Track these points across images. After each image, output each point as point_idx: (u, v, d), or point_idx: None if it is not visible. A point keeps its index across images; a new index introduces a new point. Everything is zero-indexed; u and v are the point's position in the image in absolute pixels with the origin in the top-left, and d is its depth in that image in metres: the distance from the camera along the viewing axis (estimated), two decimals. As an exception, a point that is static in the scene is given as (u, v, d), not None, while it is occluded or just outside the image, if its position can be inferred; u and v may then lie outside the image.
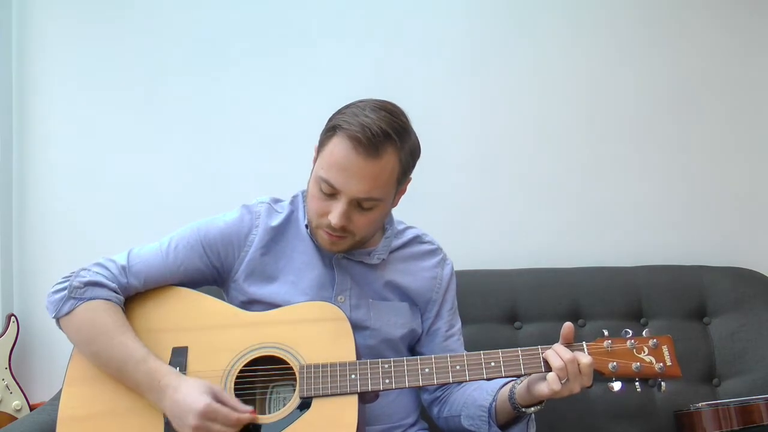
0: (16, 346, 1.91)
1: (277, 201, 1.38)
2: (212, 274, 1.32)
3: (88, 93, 2.02)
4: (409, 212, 1.40)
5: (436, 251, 1.41)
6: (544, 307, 1.78)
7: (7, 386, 1.88)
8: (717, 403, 1.59)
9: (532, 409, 1.19)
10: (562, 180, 2.01)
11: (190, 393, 1.11)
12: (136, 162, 2.01)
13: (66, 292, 1.23)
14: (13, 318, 1.92)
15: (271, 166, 1.98)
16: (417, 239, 1.41)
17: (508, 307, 1.78)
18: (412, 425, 1.36)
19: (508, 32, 2.03)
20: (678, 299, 1.80)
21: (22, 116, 2.02)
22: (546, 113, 2.02)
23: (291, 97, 2.01)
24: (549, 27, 2.02)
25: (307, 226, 1.31)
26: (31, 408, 1.90)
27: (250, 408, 1.13)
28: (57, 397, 1.21)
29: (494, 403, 1.24)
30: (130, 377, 1.17)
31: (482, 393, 1.27)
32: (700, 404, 1.58)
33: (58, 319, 1.25)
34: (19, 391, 1.89)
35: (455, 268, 1.44)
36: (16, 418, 1.84)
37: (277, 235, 1.32)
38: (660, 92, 2.02)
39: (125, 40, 2.02)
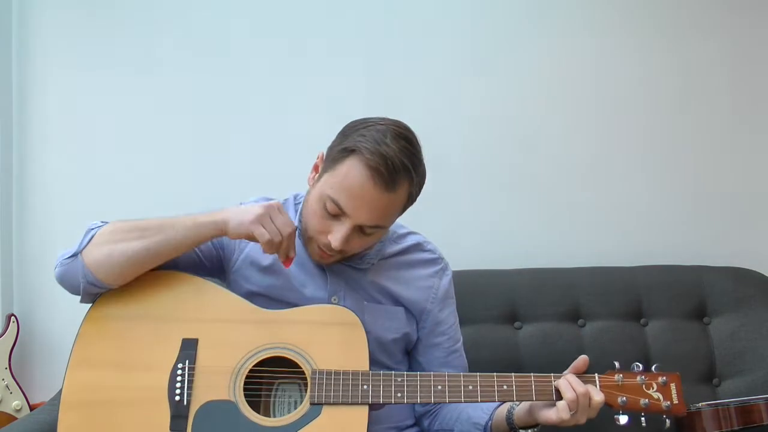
0: (16, 346, 1.91)
1: (268, 201, 1.37)
2: (212, 256, 1.32)
3: (88, 93, 2.02)
4: (408, 212, 1.40)
5: (435, 260, 1.39)
6: (544, 307, 1.78)
7: (7, 386, 1.88)
8: (717, 403, 1.59)
9: (529, 431, 1.20)
10: (562, 180, 2.01)
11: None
12: (137, 162, 2.01)
13: (80, 243, 1.21)
14: (13, 318, 1.92)
15: (268, 167, 1.98)
16: (418, 246, 1.39)
17: (508, 307, 1.78)
18: (411, 426, 1.36)
19: (508, 33, 2.03)
20: (678, 299, 1.79)
21: (22, 116, 2.02)
22: (546, 113, 2.02)
23: (289, 98, 2.01)
24: (548, 27, 2.02)
25: (296, 228, 1.30)
26: (31, 408, 1.90)
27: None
28: (57, 397, 1.20)
29: (490, 422, 1.25)
30: (186, 219, 1.19)
31: (477, 410, 1.28)
32: (700, 404, 1.58)
33: (79, 254, 1.20)
34: (19, 391, 1.89)
35: (455, 268, 1.43)
36: (16, 418, 1.84)
37: None
38: (660, 92, 2.02)
39: (125, 40, 2.02)
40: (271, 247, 1.16)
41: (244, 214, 1.16)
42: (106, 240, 1.20)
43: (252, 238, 1.17)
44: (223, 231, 1.19)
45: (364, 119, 1.22)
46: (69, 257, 1.22)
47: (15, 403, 1.88)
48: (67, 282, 1.23)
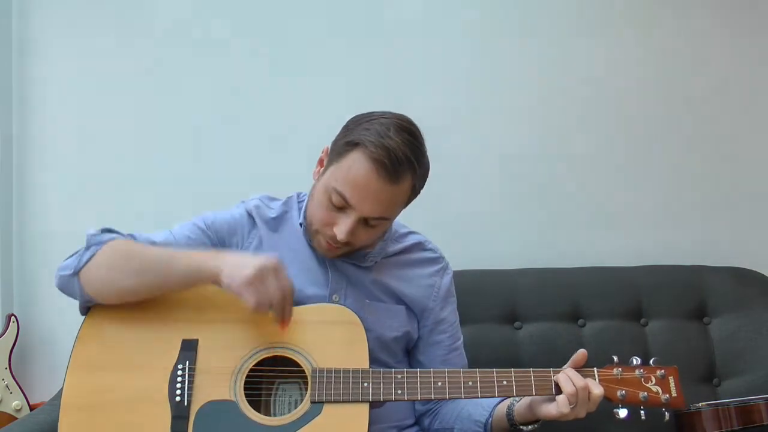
0: (16, 346, 1.91)
1: (272, 199, 1.38)
2: None
3: (88, 94, 2.02)
4: (409, 211, 1.40)
5: (437, 260, 1.40)
6: (544, 307, 1.78)
7: (7, 386, 1.88)
8: (717, 403, 1.59)
9: (530, 427, 1.20)
10: (562, 180, 2.01)
11: (259, 255, 1.15)
12: (136, 163, 2.01)
13: (80, 251, 1.21)
14: (13, 318, 1.92)
15: (268, 167, 1.98)
16: (419, 246, 1.40)
17: (508, 307, 1.78)
18: (411, 426, 1.36)
19: (508, 31, 2.03)
20: (678, 299, 1.79)
21: (23, 116, 2.02)
22: (546, 112, 2.02)
23: (289, 98, 2.01)
24: (549, 26, 2.02)
25: (301, 224, 1.31)
26: (31, 408, 1.90)
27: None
28: (57, 397, 1.20)
29: (490, 419, 1.25)
30: (183, 260, 1.17)
31: (477, 408, 1.28)
32: (700, 404, 1.58)
33: (77, 275, 1.20)
34: (19, 391, 1.89)
35: (455, 268, 1.44)
36: (16, 418, 1.84)
37: (271, 230, 1.33)
38: (660, 92, 2.02)
39: (124, 41, 2.02)
40: (259, 310, 1.13)
41: (239, 269, 1.12)
42: (105, 264, 1.20)
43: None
44: (216, 281, 1.17)
45: (368, 113, 1.23)
46: (68, 275, 1.22)
47: (15, 403, 1.88)
48: (65, 292, 1.25)
